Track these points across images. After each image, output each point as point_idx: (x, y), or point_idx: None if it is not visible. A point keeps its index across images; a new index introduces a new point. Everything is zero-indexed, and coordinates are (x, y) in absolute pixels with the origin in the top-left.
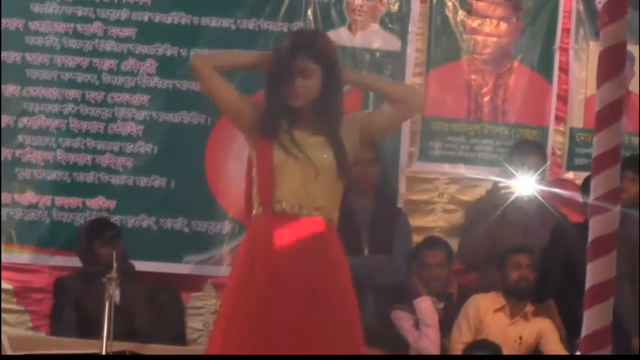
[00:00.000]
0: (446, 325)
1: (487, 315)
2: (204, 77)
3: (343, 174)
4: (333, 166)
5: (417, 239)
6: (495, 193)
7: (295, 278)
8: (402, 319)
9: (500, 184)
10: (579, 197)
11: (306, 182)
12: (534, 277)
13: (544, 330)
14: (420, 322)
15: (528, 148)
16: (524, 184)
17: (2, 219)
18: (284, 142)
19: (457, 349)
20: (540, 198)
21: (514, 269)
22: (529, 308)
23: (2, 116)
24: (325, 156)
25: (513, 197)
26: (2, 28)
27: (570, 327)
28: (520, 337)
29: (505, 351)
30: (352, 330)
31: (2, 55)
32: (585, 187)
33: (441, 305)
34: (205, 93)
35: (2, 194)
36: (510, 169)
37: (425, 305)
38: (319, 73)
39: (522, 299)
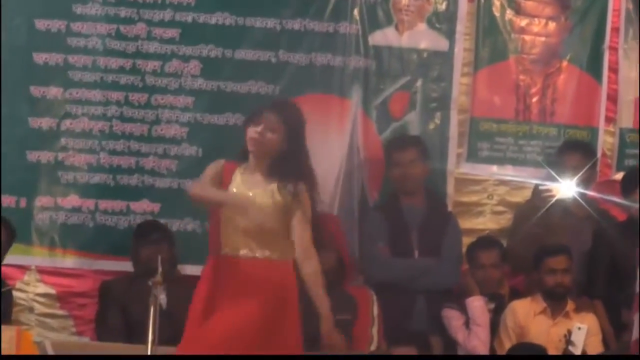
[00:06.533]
0: (496, 327)
1: (528, 320)
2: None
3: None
4: (279, 210)
5: (466, 241)
6: (537, 195)
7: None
8: (452, 318)
9: (542, 186)
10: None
11: (242, 226)
12: (572, 279)
13: (587, 327)
14: (471, 322)
15: (570, 147)
16: (566, 185)
17: (45, 222)
18: (233, 186)
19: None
20: (581, 199)
21: (550, 274)
22: (570, 306)
23: (45, 119)
24: (271, 201)
25: (555, 198)
26: (44, 30)
27: (616, 324)
28: (565, 336)
29: (551, 352)
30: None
31: (44, 57)
32: (625, 184)
33: (492, 305)
34: None
35: (45, 198)
36: (552, 170)
37: (477, 305)
38: (285, 133)
39: (562, 300)
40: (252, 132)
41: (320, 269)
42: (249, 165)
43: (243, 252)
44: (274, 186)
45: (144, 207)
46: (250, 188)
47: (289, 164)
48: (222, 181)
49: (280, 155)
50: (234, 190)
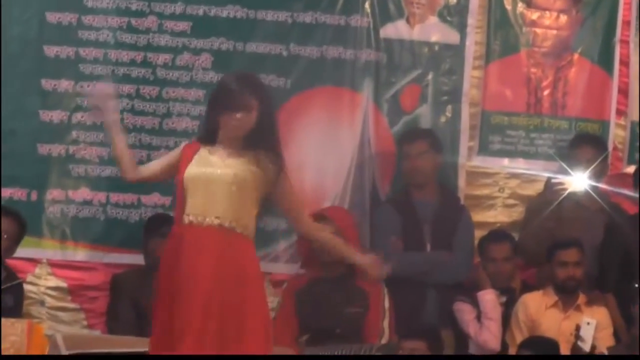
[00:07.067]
0: (508, 320)
1: (539, 313)
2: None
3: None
4: (243, 179)
5: (477, 234)
6: (549, 188)
7: (199, 285)
8: (463, 311)
9: (554, 180)
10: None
11: (210, 194)
12: (583, 272)
13: (598, 321)
14: (483, 315)
15: (582, 140)
16: (578, 179)
17: (56, 215)
18: (200, 159)
19: (513, 352)
20: (593, 192)
21: (562, 267)
22: (582, 299)
23: (56, 112)
24: (234, 171)
25: (567, 192)
26: (55, 22)
27: (628, 317)
28: (575, 331)
29: (563, 345)
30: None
31: (55, 50)
32: (637, 178)
33: (504, 299)
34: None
35: (56, 191)
36: (565, 163)
37: (489, 298)
38: (258, 108)
39: (573, 293)
40: (231, 118)
41: (330, 232)
42: (217, 146)
43: (206, 219)
44: (249, 156)
45: (155, 200)
46: (223, 160)
47: (264, 136)
48: (180, 160)
49: (255, 129)
50: (204, 165)
